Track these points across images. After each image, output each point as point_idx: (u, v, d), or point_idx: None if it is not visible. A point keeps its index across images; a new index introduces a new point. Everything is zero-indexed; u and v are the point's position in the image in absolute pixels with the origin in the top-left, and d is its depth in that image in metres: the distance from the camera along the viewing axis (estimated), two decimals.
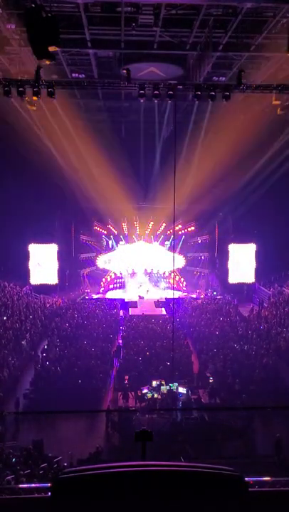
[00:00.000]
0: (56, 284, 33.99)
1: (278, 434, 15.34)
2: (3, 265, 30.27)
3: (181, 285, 36.34)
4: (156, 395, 17.89)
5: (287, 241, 30.84)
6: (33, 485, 10.17)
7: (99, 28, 16.78)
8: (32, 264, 33.62)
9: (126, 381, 19.32)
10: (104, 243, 38.12)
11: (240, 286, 34.68)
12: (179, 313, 29.16)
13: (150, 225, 37.41)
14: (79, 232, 35.78)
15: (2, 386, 18.84)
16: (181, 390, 18.08)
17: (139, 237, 37.78)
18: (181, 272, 37.45)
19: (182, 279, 36.92)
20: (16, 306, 27.47)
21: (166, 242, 37.36)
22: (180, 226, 36.55)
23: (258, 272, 34.45)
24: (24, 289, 31.86)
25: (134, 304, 32.18)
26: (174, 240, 35.61)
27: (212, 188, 30.36)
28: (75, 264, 35.63)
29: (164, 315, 29.72)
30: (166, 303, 32.23)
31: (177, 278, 36.02)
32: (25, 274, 33.31)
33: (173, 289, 31.88)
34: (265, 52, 18.26)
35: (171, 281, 34.50)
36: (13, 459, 13.10)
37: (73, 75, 20.86)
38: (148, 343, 23.36)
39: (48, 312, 28.82)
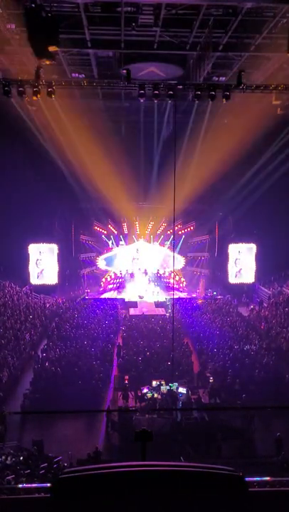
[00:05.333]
0: (56, 284, 34.00)
1: (279, 433, 15.34)
2: (3, 265, 30.29)
3: (181, 285, 36.33)
4: (156, 395, 17.88)
5: (287, 241, 30.86)
6: (33, 485, 10.17)
7: (99, 28, 16.78)
8: (32, 264, 33.64)
9: (126, 381, 19.31)
10: (105, 243, 38.08)
11: (240, 286, 34.69)
12: (179, 314, 29.16)
13: (150, 225, 37.40)
14: (79, 232, 35.77)
15: (2, 386, 18.85)
16: (181, 390, 18.07)
17: (139, 237, 37.76)
18: (181, 272, 37.45)
19: (182, 279, 36.92)
20: (16, 306, 27.48)
21: (166, 242, 37.35)
22: (180, 226, 36.54)
23: (258, 272, 34.45)
24: (24, 289, 31.86)
25: (134, 304, 32.17)
26: (174, 239, 35.59)
27: (212, 188, 30.36)
28: (75, 264, 35.62)
29: (163, 315, 29.71)
30: (166, 303, 32.23)
31: (177, 278, 36.01)
32: (25, 274, 33.33)
33: (173, 289, 31.87)
34: (265, 52, 18.26)
35: (171, 281, 34.48)
36: (13, 459, 13.11)
37: (73, 75, 20.87)
38: (148, 343, 23.36)
39: (48, 312, 28.82)
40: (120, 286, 36.24)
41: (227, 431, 16.21)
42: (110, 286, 36.47)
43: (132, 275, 36.55)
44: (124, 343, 24.17)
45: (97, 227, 37.16)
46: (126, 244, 37.76)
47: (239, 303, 32.10)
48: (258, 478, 8.84)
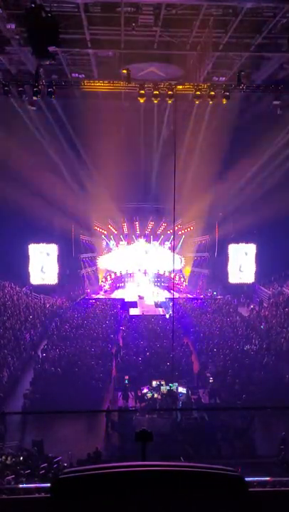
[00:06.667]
0: (56, 284, 34.00)
1: (284, 432, 15.34)
2: (3, 265, 30.29)
3: (181, 287, 36.33)
4: (156, 395, 17.88)
5: (287, 241, 30.85)
6: (33, 485, 10.18)
7: (99, 28, 16.75)
8: (32, 265, 33.64)
9: (126, 381, 19.31)
10: (105, 243, 38.10)
11: (240, 286, 34.70)
12: (179, 313, 29.16)
13: (150, 225, 37.41)
14: (79, 232, 35.79)
15: (2, 386, 18.85)
16: (181, 390, 18.07)
17: (139, 237, 37.76)
18: (181, 271, 37.45)
19: (182, 279, 36.91)
20: (16, 306, 27.48)
21: (166, 242, 37.35)
22: (180, 226, 36.54)
23: (258, 272, 34.45)
24: (24, 289, 31.86)
25: (134, 304, 32.17)
26: (174, 239, 35.60)
27: (212, 188, 30.36)
28: (75, 264, 35.63)
29: (163, 315, 29.71)
30: (166, 303, 32.23)
31: (177, 278, 36.00)
32: (25, 274, 33.34)
33: (173, 289, 31.89)
34: (265, 52, 18.25)
35: (176, 278, 34.46)
36: (13, 459, 13.11)
37: (73, 74, 20.86)
38: (148, 343, 23.36)
39: (48, 312, 28.82)
40: (120, 286, 36.24)
41: (227, 431, 16.21)
42: (110, 286, 36.48)
43: (132, 275, 36.56)
44: (124, 343, 24.18)
45: (97, 227, 37.17)
46: (126, 245, 37.76)
47: (239, 303, 32.09)
48: (258, 478, 8.85)
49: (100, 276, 37.24)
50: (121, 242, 37.87)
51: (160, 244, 37.65)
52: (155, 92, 17.06)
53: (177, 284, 35.53)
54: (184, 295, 35.12)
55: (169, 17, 15.85)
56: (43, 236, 33.10)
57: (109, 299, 33.50)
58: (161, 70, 19.45)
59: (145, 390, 18.18)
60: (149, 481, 1.85)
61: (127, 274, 36.62)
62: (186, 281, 37.15)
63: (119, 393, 18.76)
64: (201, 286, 36.28)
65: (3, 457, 13.25)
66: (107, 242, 37.96)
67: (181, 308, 30.46)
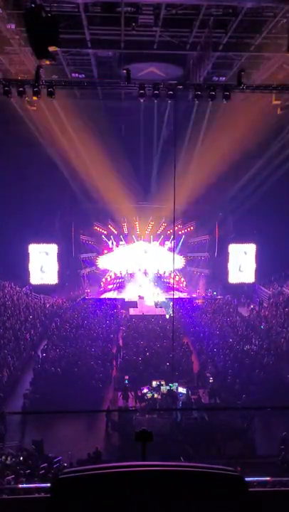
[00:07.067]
0: (56, 284, 34.00)
1: (284, 432, 15.33)
2: (3, 265, 30.30)
3: (181, 285, 36.32)
4: (156, 395, 17.87)
5: (287, 241, 30.86)
6: (33, 485, 10.18)
7: (99, 28, 16.78)
8: (32, 265, 33.64)
9: (126, 381, 19.30)
10: (105, 243, 38.09)
11: (240, 286, 34.69)
12: (179, 313, 29.16)
13: (150, 225, 37.40)
14: (79, 232, 35.76)
15: (2, 386, 18.85)
16: (181, 390, 18.06)
17: (139, 237, 37.75)
18: (181, 271, 37.44)
19: (182, 279, 36.91)
20: (16, 306, 27.47)
21: (167, 242, 37.33)
22: (180, 226, 36.53)
23: (258, 272, 34.45)
24: (24, 289, 31.87)
25: (134, 304, 32.15)
26: (174, 239, 35.59)
27: (212, 188, 30.37)
28: (75, 264, 35.61)
29: (163, 315, 29.70)
30: (166, 303, 32.21)
31: (177, 278, 35.99)
32: (25, 274, 33.33)
33: (173, 289, 31.86)
34: (265, 52, 18.27)
35: (171, 281, 34.48)
36: (13, 459, 13.11)
37: (73, 75, 20.88)
38: (148, 343, 23.35)
39: (48, 312, 28.82)
40: (120, 286, 36.23)
41: (227, 431, 16.20)
42: (110, 286, 36.46)
43: (132, 275, 36.55)
44: (124, 343, 24.17)
45: (97, 227, 37.15)
46: (126, 244, 37.73)
47: (239, 303, 32.10)
48: (258, 478, 8.85)
49: (100, 276, 37.21)
50: (121, 242, 37.83)
51: (160, 244, 37.63)
52: (155, 92, 17.02)
53: (177, 284, 35.51)
54: (184, 295, 35.10)
55: (169, 17, 15.87)
56: (43, 236, 33.09)
57: (109, 299, 33.49)
58: (161, 70, 19.47)
59: (145, 390, 18.17)
60: (149, 481, 1.85)
61: (127, 274, 36.60)
62: (186, 281, 37.11)
63: (119, 393, 18.75)
64: (201, 286, 36.27)
65: (3, 457, 13.25)
66: (107, 242, 37.93)
67: (181, 308, 30.44)
